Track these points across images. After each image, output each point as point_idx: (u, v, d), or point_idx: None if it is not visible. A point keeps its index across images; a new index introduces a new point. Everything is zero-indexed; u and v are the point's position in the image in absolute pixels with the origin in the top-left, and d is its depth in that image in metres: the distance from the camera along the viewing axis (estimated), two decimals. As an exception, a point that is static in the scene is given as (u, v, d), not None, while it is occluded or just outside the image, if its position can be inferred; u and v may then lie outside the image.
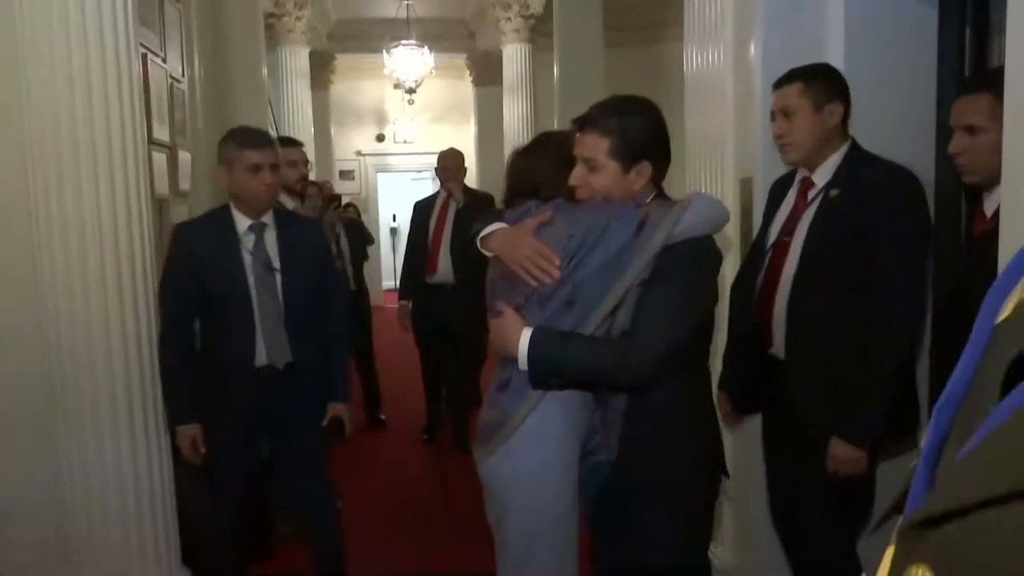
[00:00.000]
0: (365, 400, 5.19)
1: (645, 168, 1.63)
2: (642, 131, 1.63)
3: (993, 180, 1.71)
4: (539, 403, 1.66)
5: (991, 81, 1.68)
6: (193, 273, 2.32)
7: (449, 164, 4.44)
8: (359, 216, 6.43)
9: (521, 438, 1.68)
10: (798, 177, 2.09)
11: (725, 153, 2.48)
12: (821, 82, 1.97)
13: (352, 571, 2.73)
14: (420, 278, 4.46)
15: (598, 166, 1.62)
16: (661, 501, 1.68)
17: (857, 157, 2.00)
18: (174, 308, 2.37)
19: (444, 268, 4.38)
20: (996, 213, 1.68)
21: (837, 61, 2.19)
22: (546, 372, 1.61)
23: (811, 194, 2.02)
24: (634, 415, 1.67)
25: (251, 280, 2.35)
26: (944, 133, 2.04)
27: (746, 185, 2.42)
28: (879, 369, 1.85)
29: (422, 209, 4.58)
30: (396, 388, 5.79)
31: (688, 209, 1.55)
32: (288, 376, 2.40)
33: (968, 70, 2.28)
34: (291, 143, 3.61)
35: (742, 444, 2.42)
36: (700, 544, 1.79)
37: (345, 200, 7.47)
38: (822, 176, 2.01)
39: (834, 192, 1.95)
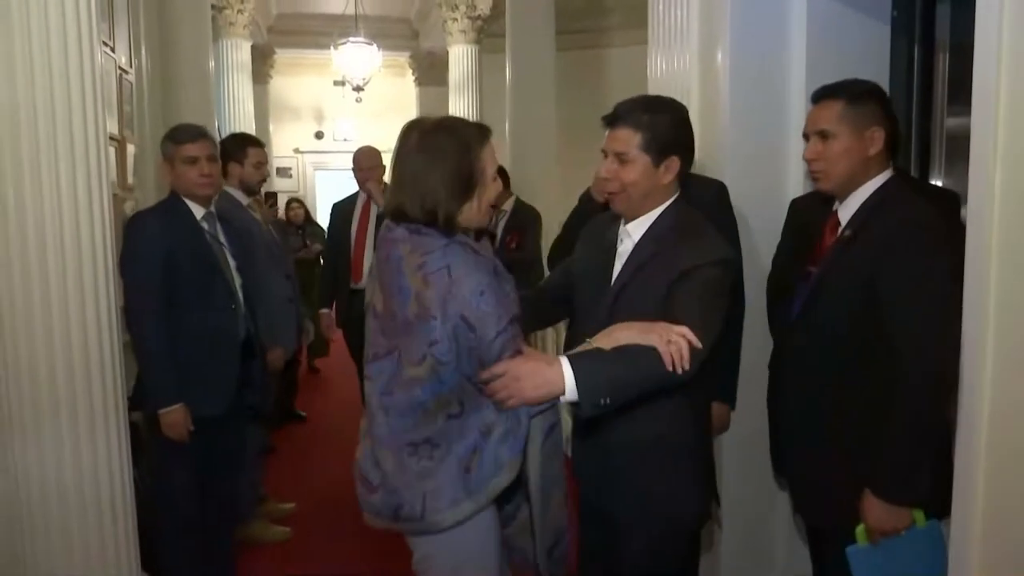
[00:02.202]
0: (283, 395, 4.81)
1: (673, 163, 1.68)
2: (672, 127, 1.68)
3: (847, 188, 1.76)
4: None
5: (841, 89, 1.75)
6: (158, 259, 2.43)
7: (364, 163, 3.93)
8: (308, 214, 6.38)
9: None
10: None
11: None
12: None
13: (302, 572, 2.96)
14: (344, 284, 4.14)
15: (630, 159, 1.66)
16: (650, 527, 1.69)
17: None
18: (151, 293, 2.43)
19: None
20: (851, 222, 1.73)
21: (799, 71, 2.31)
22: (601, 392, 1.42)
23: None
24: (624, 442, 1.68)
25: (223, 263, 2.60)
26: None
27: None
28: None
29: (341, 212, 4.18)
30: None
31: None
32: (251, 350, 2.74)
33: (917, 84, 2.42)
34: (258, 144, 3.47)
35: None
36: (691, 570, 1.82)
37: (288, 197, 7.40)
38: None
39: None
